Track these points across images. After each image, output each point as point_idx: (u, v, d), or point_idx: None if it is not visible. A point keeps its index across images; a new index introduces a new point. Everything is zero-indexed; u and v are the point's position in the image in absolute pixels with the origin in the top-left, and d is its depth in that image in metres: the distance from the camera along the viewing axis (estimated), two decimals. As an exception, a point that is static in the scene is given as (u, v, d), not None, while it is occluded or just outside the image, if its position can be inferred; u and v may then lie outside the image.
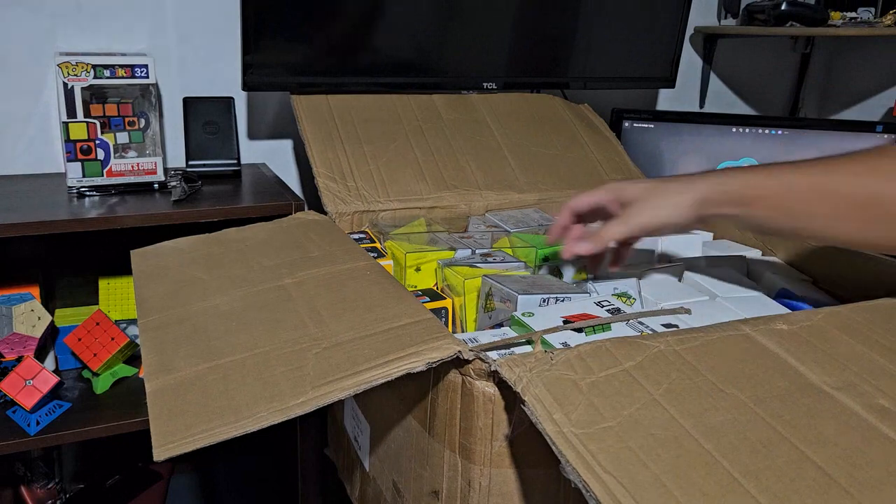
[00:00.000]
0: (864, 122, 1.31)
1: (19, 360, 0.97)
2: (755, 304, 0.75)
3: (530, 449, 0.54)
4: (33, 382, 0.94)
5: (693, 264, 0.90)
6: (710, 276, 0.83)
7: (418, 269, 0.85)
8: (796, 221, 0.62)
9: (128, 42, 1.18)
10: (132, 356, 1.09)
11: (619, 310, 0.68)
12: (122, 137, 1.04)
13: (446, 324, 0.80)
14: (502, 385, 0.51)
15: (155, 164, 1.07)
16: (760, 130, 1.35)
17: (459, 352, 0.52)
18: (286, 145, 1.33)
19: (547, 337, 0.62)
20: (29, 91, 1.14)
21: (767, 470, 0.41)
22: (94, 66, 1.01)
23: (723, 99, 1.69)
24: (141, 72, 1.03)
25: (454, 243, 0.90)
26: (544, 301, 0.71)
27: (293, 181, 1.36)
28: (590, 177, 1.13)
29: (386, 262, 0.84)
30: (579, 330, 0.63)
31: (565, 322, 0.65)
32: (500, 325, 0.72)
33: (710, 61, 1.62)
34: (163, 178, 1.08)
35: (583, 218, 0.75)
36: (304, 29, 1.09)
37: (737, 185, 0.63)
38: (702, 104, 1.66)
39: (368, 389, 0.50)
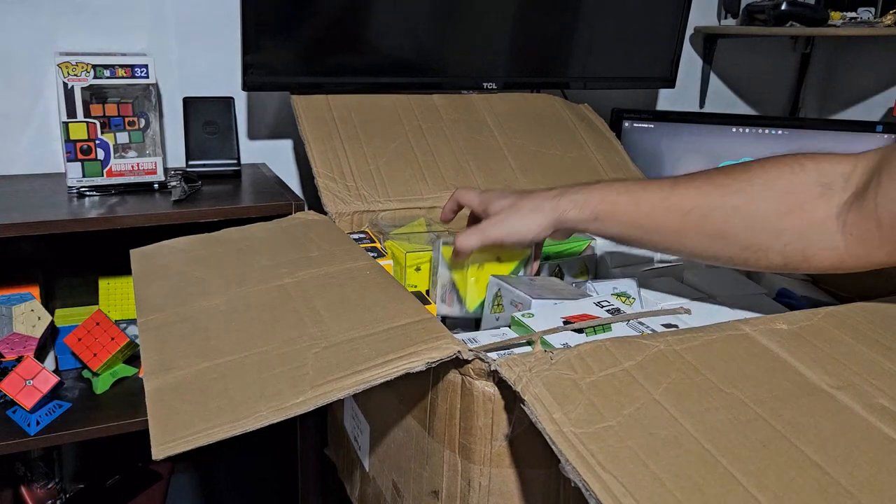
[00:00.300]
0: (864, 122, 1.32)
1: (19, 360, 0.97)
2: (755, 304, 0.75)
3: (530, 449, 0.54)
4: (33, 382, 0.94)
5: (693, 264, 0.90)
6: (710, 276, 0.83)
7: (418, 269, 0.85)
8: (647, 236, 0.66)
9: (128, 42, 1.18)
10: (132, 356, 1.09)
11: (618, 310, 0.68)
12: (122, 137, 1.04)
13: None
14: (502, 385, 0.51)
15: (155, 164, 1.07)
16: (760, 130, 1.35)
17: (459, 352, 0.52)
18: (286, 145, 1.33)
19: (547, 338, 0.62)
20: (29, 91, 1.14)
21: (767, 469, 0.40)
22: (94, 66, 1.01)
23: (723, 99, 1.69)
24: (141, 72, 1.03)
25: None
26: (555, 305, 0.71)
27: (293, 181, 1.36)
28: (590, 177, 1.13)
29: (386, 262, 0.84)
30: (580, 330, 0.63)
31: (565, 323, 0.65)
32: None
33: (710, 61, 1.62)
34: (163, 178, 1.08)
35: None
36: (304, 29, 1.09)
37: (592, 202, 0.67)
38: (702, 104, 1.66)
39: (368, 389, 0.50)
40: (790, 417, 0.45)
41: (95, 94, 1.02)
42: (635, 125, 1.41)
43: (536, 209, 0.70)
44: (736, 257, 0.63)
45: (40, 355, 1.03)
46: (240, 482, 1.40)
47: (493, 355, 0.53)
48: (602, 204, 0.67)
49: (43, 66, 1.14)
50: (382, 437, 0.70)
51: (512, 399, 0.51)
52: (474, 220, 0.79)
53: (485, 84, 1.21)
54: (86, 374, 1.06)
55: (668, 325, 0.66)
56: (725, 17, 1.60)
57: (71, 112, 1.01)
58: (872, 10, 1.47)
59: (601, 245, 0.95)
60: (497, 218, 0.72)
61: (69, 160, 1.02)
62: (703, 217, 0.62)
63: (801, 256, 0.60)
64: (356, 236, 0.90)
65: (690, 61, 1.61)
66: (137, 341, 1.05)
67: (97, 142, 1.03)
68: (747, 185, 0.61)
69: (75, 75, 1.00)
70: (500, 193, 0.75)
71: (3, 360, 0.99)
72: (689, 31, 1.57)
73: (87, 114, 1.02)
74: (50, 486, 1.21)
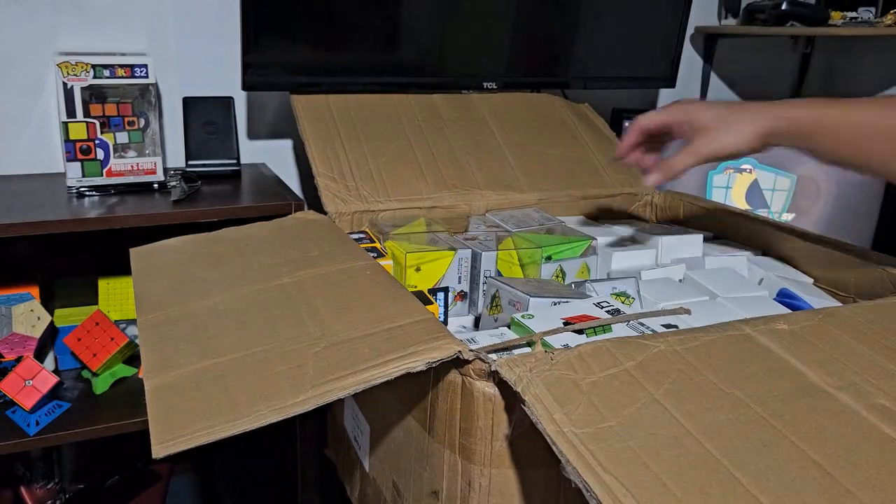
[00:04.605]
0: (864, 122, 1.31)
1: (19, 360, 0.97)
2: (755, 304, 0.75)
3: (530, 449, 0.54)
4: (33, 382, 0.94)
5: (693, 264, 0.90)
6: (710, 276, 0.83)
7: (418, 269, 0.84)
8: (858, 156, 0.64)
9: (128, 42, 1.18)
10: (132, 356, 1.09)
11: (618, 311, 0.68)
12: (122, 137, 1.04)
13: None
14: (502, 385, 0.51)
15: (155, 163, 1.07)
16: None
17: (459, 352, 0.52)
18: (286, 145, 1.33)
19: (547, 338, 0.62)
20: (29, 91, 1.14)
21: (768, 470, 0.40)
22: (93, 66, 1.01)
23: (723, 99, 1.69)
24: (140, 72, 1.03)
25: (456, 244, 0.90)
26: (554, 305, 0.71)
27: (293, 181, 1.36)
28: (590, 177, 1.13)
29: (386, 262, 0.84)
30: (580, 331, 0.63)
31: (565, 324, 0.65)
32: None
33: (710, 61, 1.62)
34: (162, 178, 1.08)
35: (650, 136, 0.77)
36: (304, 29, 1.09)
37: (803, 118, 0.65)
38: (702, 104, 1.66)
39: (368, 389, 0.50)
40: (791, 417, 0.45)
41: (95, 94, 1.02)
42: (635, 125, 1.41)
43: (747, 121, 0.67)
44: None
45: (40, 355, 1.03)
46: (240, 482, 1.40)
47: (492, 356, 0.53)
48: (811, 122, 0.65)
49: (43, 66, 1.14)
50: (382, 437, 0.70)
51: (512, 399, 0.51)
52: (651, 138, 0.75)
53: (485, 84, 1.21)
54: (85, 374, 1.06)
55: (668, 326, 0.66)
56: (726, 17, 1.60)
57: (70, 112, 1.01)
58: (873, 9, 1.47)
59: (602, 245, 0.95)
60: (706, 133, 0.68)
61: (69, 160, 1.02)
62: None
63: None
64: (356, 236, 0.90)
65: (691, 61, 1.61)
66: (137, 341, 1.05)
67: (97, 142, 1.03)
68: None
69: (75, 75, 1.00)
70: (696, 103, 0.71)
71: (2, 360, 0.99)
72: (690, 31, 1.57)
73: (86, 114, 1.02)
74: (50, 486, 1.21)
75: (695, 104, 0.71)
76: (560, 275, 0.88)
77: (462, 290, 0.88)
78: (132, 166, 1.06)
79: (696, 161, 0.69)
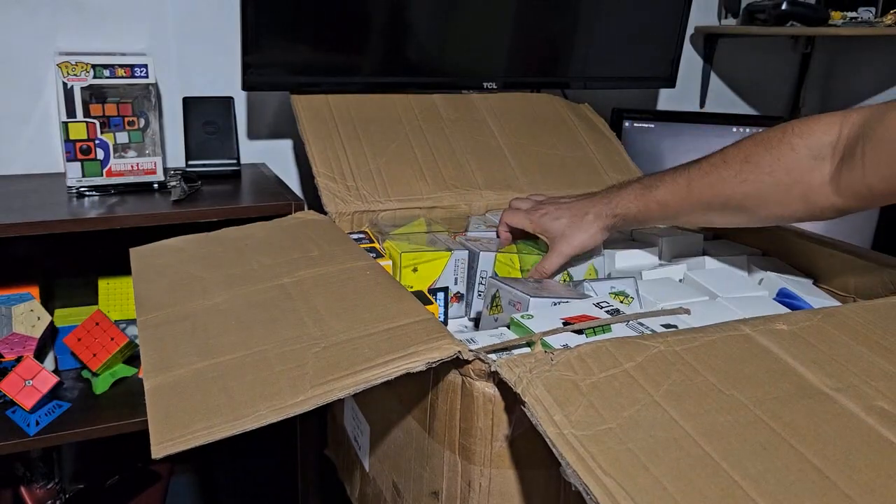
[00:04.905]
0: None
1: (19, 360, 0.97)
2: (755, 304, 0.75)
3: (530, 450, 0.54)
4: (33, 382, 0.94)
5: (693, 264, 0.90)
6: (710, 276, 0.83)
7: (415, 270, 0.84)
8: (679, 220, 0.83)
9: (128, 42, 1.18)
10: (132, 356, 1.09)
11: (618, 311, 0.68)
12: (122, 137, 1.04)
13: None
14: (502, 386, 0.51)
15: (154, 163, 1.07)
16: (761, 130, 1.35)
17: (459, 352, 0.52)
18: (286, 145, 1.33)
19: (547, 339, 0.62)
20: (29, 91, 1.14)
21: (767, 472, 0.40)
22: (93, 66, 1.01)
23: (723, 99, 1.69)
24: (140, 72, 1.03)
25: (453, 244, 0.90)
26: (554, 305, 0.71)
27: (293, 181, 1.36)
28: (590, 176, 1.13)
29: (385, 263, 0.84)
30: (579, 331, 0.63)
31: (565, 324, 0.65)
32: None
33: (710, 61, 1.62)
34: (162, 178, 1.08)
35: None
36: (303, 29, 1.09)
37: (630, 212, 0.81)
38: (702, 104, 1.66)
39: (368, 389, 0.50)
40: (790, 419, 0.45)
41: (95, 94, 1.02)
42: (635, 125, 1.41)
43: (591, 223, 0.84)
44: (757, 223, 0.78)
45: (40, 355, 1.03)
46: (240, 482, 1.40)
47: (492, 356, 0.53)
48: (637, 209, 0.81)
49: (43, 66, 1.14)
50: (382, 437, 0.70)
51: (512, 400, 0.51)
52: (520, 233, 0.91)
53: (485, 84, 1.21)
54: (85, 374, 1.06)
55: (667, 326, 0.66)
56: (726, 17, 1.60)
57: (70, 112, 1.01)
58: (873, 9, 1.47)
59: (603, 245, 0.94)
60: (563, 238, 0.84)
61: (69, 160, 1.02)
62: (723, 205, 0.76)
63: (809, 214, 0.73)
64: (356, 236, 0.90)
65: (691, 61, 1.61)
66: (137, 341, 1.05)
67: (97, 142, 1.03)
68: (752, 174, 0.73)
69: (75, 75, 1.00)
70: (549, 211, 0.87)
71: (2, 360, 0.99)
72: (690, 31, 1.57)
73: (86, 114, 1.02)
74: (49, 486, 1.21)
75: (541, 211, 0.87)
76: (567, 278, 0.88)
77: (458, 292, 0.87)
78: (132, 166, 1.06)
79: (563, 260, 0.85)
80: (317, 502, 1.18)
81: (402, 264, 0.84)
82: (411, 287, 0.84)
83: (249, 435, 0.48)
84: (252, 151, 1.31)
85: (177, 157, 1.24)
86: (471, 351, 0.52)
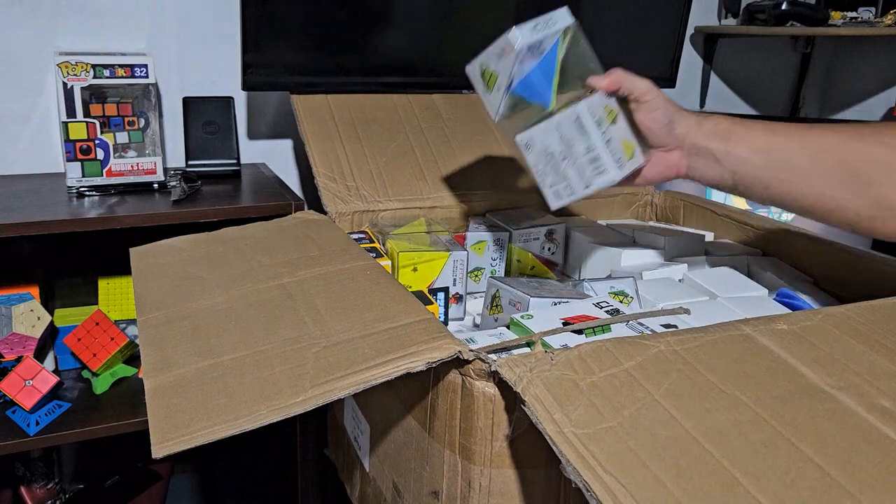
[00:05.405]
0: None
1: (19, 360, 0.97)
2: (755, 304, 0.75)
3: (530, 449, 0.54)
4: (33, 382, 0.94)
5: (693, 264, 0.90)
6: (710, 276, 0.83)
7: (415, 269, 0.84)
8: (772, 169, 0.63)
9: (128, 42, 1.18)
10: (132, 356, 1.09)
11: (617, 311, 0.68)
12: (122, 137, 1.04)
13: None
14: (502, 385, 0.51)
15: (154, 163, 1.07)
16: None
17: (459, 352, 0.52)
18: (286, 145, 1.33)
19: (547, 339, 0.62)
20: (29, 91, 1.14)
21: (768, 471, 0.40)
22: (93, 66, 1.01)
23: (723, 99, 1.69)
24: (141, 71, 1.03)
25: (451, 245, 0.90)
26: (554, 305, 0.71)
27: (293, 181, 1.36)
28: (590, 177, 1.13)
29: (385, 263, 0.84)
30: (579, 331, 0.63)
31: (564, 324, 0.65)
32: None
33: (710, 61, 1.62)
34: (162, 178, 1.08)
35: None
36: (304, 29, 1.09)
37: (725, 122, 0.68)
38: (702, 104, 1.66)
39: (368, 389, 0.50)
40: (790, 418, 0.45)
41: (95, 94, 1.02)
42: (635, 125, 1.41)
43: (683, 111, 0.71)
44: (861, 213, 0.59)
45: (40, 355, 1.03)
46: (240, 482, 1.40)
47: (492, 356, 0.53)
48: (735, 125, 0.66)
49: (43, 66, 1.14)
50: (382, 437, 0.70)
51: (512, 400, 0.51)
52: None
53: (485, 84, 1.21)
54: (85, 374, 1.06)
55: (667, 326, 0.66)
56: (726, 17, 1.60)
57: (70, 112, 1.01)
58: (873, 9, 1.47)
59: (603, 245, 0.94)
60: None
61: (69, 160, 1.02)
62: (838, 161, 0.59)
63: None
64: (356, 236, 0.90)
65: (691, 61, 1.61)
66: (137, 341, 1.06)
67: (97, 142, 1.03)
68: (892, 138, 0.57)
69: (75, 75, 1.00)
70: (667, 111, 0.74)
71: (2, 360, 0.99)
72: (690, 31, 1.57)
73: (86, 113, 1.02)
74: (49, 486, 1.21)
75: (663, 110, 0.75)
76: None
77: (457, 293, 0.87)
78: (132, 166, 1.06)
79: (627, 86, 0.77)
80: (317, 502, 1.18)
81: (400, 264, 0.84)
82: (410, 287, 0.84)
83: (249, 435, 0.48)
84: (252, 151, 1.31)
85: (177, 157, 1.24)
86: (471, 351, 0.52)
